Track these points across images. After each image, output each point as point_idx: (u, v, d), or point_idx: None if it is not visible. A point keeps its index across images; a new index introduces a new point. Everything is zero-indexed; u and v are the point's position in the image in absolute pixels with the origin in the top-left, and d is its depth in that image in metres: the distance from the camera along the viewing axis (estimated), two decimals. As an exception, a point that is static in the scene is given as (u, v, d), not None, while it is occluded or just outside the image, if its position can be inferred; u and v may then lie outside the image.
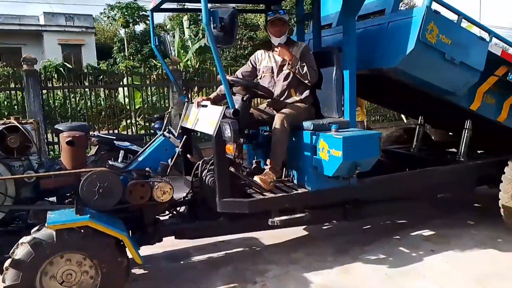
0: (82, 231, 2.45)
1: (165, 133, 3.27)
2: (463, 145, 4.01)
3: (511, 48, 5.87)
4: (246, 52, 15.96)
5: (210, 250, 3.68)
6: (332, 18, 3.90)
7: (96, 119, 7.51)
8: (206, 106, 3.27)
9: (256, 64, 3.55)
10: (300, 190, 3.17)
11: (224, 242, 3.77)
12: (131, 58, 17.80)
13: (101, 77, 8.14)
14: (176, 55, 10.46)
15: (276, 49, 3.37)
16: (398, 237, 3.87)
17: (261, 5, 4.37)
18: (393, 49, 3.18)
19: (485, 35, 3.62)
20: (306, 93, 3.39)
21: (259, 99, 5.01)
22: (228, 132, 2.81)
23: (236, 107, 2.91)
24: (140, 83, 7.82)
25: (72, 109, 7.29)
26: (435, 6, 3.09)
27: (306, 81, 3.32)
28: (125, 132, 7.33)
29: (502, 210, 3.72)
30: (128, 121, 7.59)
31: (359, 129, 3.19)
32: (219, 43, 2.65)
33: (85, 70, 9.13)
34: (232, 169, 2.98)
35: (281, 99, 3.40)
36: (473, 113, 3.78)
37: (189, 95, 8.17)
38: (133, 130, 7.55)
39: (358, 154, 2.88)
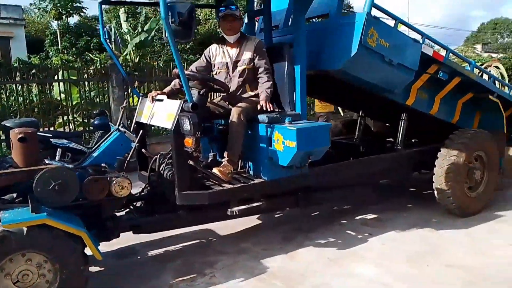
0: (49, 230, 2.39)
1: (120, 127, 3.23)
2: (400, 135, 4.35)
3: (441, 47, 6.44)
4: (187, 46, 15.75)
5: (157, 246, 3.67)
6: (278, 19, 4.04)
7: (28, 116, 7.06)
8: (162, 100, 3.28)
9: (210, 59, 3.60)
10: (257, 180, 3.30)
11: (172, 237, 3.77)
12: (65, 51, 16.83)
13: (33, 71, 7.68)
14: (114, 49, 10.09)
15: (229, 47, 3.45)
16: (340, 223, 4.14)
17: (211, 0, 4.41)
18: (338, 52, 3.40)
19: (418, 36, 4.01)
20: (263, 83, 3.48)
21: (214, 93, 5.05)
22: (187, 126, 2.86)
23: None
24: (76, 77, 7.48)
25: (1, 106, 6.80)
26: (374, 12, 3.36)
27: (265, 77, 3.43)
28: (62, 129, 6.99)
29: (436, 192, 4.12)
30: (65, 117, 7.25)
31: (309, 121, 3.37)
32: (178, 38, 2.69)
33: (15, 65, 8.54)
34: (191, 162, 3.03)
35: (237, 92, 3.50)
36: (409, 108, 4.14)
37: (129, 90, 7.98)
38: (71, 127, 7.20)
39: (311, 144, 3.07)
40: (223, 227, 3.94)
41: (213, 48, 3.63)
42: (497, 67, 10.70)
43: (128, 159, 3.09)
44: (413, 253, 3.40)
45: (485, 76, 4.94)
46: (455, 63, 4.35)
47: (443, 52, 4.20)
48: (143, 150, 3.54)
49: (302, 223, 4.15)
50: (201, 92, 3.10)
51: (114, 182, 2.80)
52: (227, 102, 3.58)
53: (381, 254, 3.41)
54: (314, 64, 3.46)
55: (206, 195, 3.02)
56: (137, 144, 3.27)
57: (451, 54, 4.16)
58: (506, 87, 4.90)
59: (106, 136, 3.23)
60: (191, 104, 2.85)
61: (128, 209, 3.31)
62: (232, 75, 3.52)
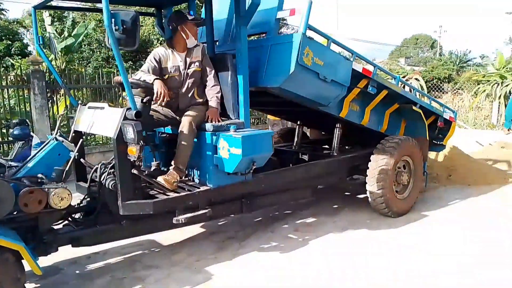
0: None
1: (57, 136, 3.10)
2: (335, 142, 4.65)
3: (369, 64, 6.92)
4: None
5: (84, 263, 3.52)
6: (219, 31, 4.12)
7: None
8: (103, 108, 3.20)
9: (161, 63, 3.53)
10: (202, 188, 3.33)
11: (99, 254, 3.65)
12: (-17, 56, 15.48)
13: None
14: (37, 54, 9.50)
15: (179, 51, 3.48)
16: (273, 230, 4.21)
17: (151, 9, 4.39)
18: (276, 71, 3.56)
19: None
20: (211, 88, 3.54)
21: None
22: (131, 134, 2.82)
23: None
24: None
25: None
26: (309, 32, 3.57)
27: (212, 80, 3.52)
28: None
29: (369, 195, 4.43)
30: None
31: (252, 128, 3.48)
32: (121, 45, 2.66)
33: None
34: (134, 171, 2.99)
35: (186, 98, 3.53)
36: (343, 119, 4.42)
37: (54, 98, 7.57)
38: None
39: (255, 151, 3.17)
40: (154, 239, 3.89)
41: (161, 51, 3.55)
42: (417, 79, 11.70)
43: (66, 169, 2.97)
44: (346, 254, 3.58)
45: (408, 89, 5.44)
46: (382, 78, 4.73)
47: (371, 67, 4.56)
48: (82, 160, 3.41)
49: (234, 232, 4.17)
50: (144, 100, 3.08)
51: (53, 193, 2.68)
52: (171, 110, 3.57)
53: (304, 258, 3.52)
54: (253, 81, 3.58)
55: (151, 204, 3.00)
56: (77, 153, 3.16)
57: (378, 69, 4.51)
58: (426, 98, 5.41)
59: (43, 145, 3.08)
60: (134, 112, 2.83)
61: (66, 222, 3.16)
62: (184, 78, 3.54)
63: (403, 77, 12.15)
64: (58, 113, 7.08)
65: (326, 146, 5.44)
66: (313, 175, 4.42)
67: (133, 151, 2.87)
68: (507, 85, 10.02)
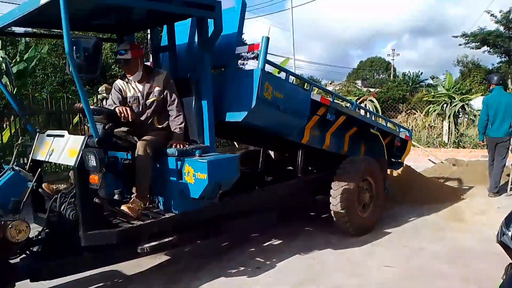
0: None
1: (14, 166, 2.97)
2: (299, 164, 4.73)
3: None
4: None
5: None
6: (182, 55, 4.11)
7: None
8: (62, 136, 3.12)
9: (122, 93, 3.54)
10: (167, 215, 3.28)
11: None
12: None
13: None
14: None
15: (137, 82, 3.49)
16: (230, 257, 4.02)
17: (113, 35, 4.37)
18: (238, 106, 3.63)
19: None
20: (175, 119, 3.53)
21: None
22: (92, 162, 2.76)
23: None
24: None
25: None
26: (268, 67, 3.68)
27: (175, 110, 3.50)
28: None
29: (333, 214, 4.51)
30: None
31: (217, 153, 3.49)
32: (82, 73, 2.63)
33: None
34: (97, 200, 2.91)
35: (147, 125, 3.50)
36: (304, 145, 4.53)
37: (4, 125, 7.23)
38: None
39: (221, 175, 3.17)
40: (88, 280, 3.54)
41: (120, 84, 3.57)
42: (371, 101, 12.17)
43: (24, 200, 2.84)
44: (297, 283, 3.44)
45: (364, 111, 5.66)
46: (340, 104, 4.93)
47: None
48: (40, 190, 3.28)
49: (188, 263, 3.94)
50: (106, 127, 3.03)
51: (10, 226, 2.55)
52: (133, 136, 3.53)
53: (267, 287, 3.41)
54: (215, 115, 3.62)
55: (115, 234, 2.91)
56: (35, 183, 3.03)
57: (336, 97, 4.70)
58: (381, 119, 5.66)
59: (-2, 176, 2.94)
60: (96, 139, 2.77)
61: (24, 255, 3.00)
62: (143, 108, 3.52)
63: (359, 98, 12.62)
64: (1, 141, 6.72)
65: (291, 168, 5.52)
66: (278, 196, 4.46)
67: (95, 179, 2.80)
68: (455, 105, 10.64)
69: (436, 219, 5.21)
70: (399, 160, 5.87)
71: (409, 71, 33.07)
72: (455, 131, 10.53)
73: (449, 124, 10.65)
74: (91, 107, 3.03)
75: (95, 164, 2.74)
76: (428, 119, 11.33)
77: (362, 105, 11.77)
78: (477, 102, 11.45)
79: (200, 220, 3.54)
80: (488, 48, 27.79)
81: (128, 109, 3.20)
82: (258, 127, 3.87)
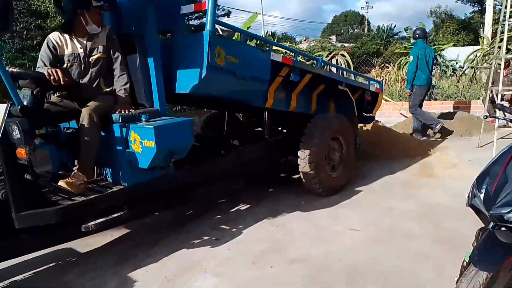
0: None
1: None
2: (266, 126, 4.48)
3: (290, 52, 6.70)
4: (34, 42, 13.86)
5: None
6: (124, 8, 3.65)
7: None
8: None
9: (57, 51, 3.05)
10: (115, 188, 2.96)
11: None
12: None
13: None
14: None
15: (78, 37, 3.02)
16: (188, 229, 3.72)
17: None
18: (186, 75, 3.20)
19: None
20: (118, 78, 3.15)
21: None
22: (17, 134, 2.38)
23: (25, 103, 2.50)
24: None
25: None
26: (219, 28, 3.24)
27: (119, 69, 3.10)
28: None
29: (302, 176, 4.30)
30: None
31: (170, 116, 3.14)
32: (-10, 28, 2.19)
33: None
34: (28, 176, 2.55)
35: (91, 89, 3.10)
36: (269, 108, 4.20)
37: None
38: None
39: (172, 142, 2.85)
40: (28, 265, 3.19)
41: (56, 38, 3.07)
42: (343, 55, 11.83)
43: None
44: (258, 254, 3.18)
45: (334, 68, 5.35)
46: (304, 63, 4.57)
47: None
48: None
49: (142, 238, 3.61)
50: (34, 92, 2.62)
51: None
52: (74, 102, 3.12)
53: (225, 260, 3.11)
54: (165, 87, 3.22)
55: (53, 213, 2.59)
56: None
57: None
58: (352, 75, 5.37)
59: None
60: (19, 107, 2.38)
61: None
62: (86, 67, 3.10)
63: (330, 52, 12.24)
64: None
65: (260, 129, 5.24)
66: (245, 160, 4.20)
67: (21, 153, 2.43)
68: (427, 56, 10.44)
69: (406, 176, 5.07)
70: (371, 115, 5.65)
71: (383, 25, 32.65)
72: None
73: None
74: (15, 69, 2.61)
75: (19, 136, 2.37)
76: (400, 72, 11.13)
77: (334, 60, 11.44)
78: (449, 53, 11.33)
79: (156, 191, 3.24)
80: (462, -4, 27.53)
81: (59, 70, 2.77)
82: (213, 96, 3.51)
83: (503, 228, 1.85)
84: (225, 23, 3.33)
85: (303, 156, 4.23)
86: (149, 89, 3.13)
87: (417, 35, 7.12)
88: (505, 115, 4.12)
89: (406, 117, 8.29)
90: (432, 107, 9.09)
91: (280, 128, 5.22)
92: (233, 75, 3.35)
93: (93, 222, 2.77)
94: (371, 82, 5.36)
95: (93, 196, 2.81)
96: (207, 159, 3.82)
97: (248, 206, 4.34)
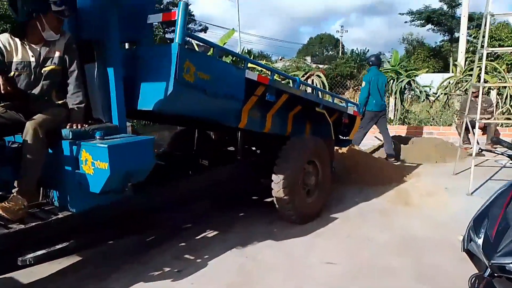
0: None
1: None
2: (239, 146, 4.20)
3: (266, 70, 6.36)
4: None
5: None
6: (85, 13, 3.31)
7: None
8: None
9: (4, 56, 2.67)
10: (61, 215, 2.58)
11: None
12: None
13: None
14: None
15: (32, 43, 2.68)
16: (148, 259, 3.33)
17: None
18: (151, 91, 2.88)
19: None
20: (72, 95, 2.79)
21: None
22: None
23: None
24: None
25: None
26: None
27: (73, 84, 2.75)
28: None
29: (275, 200, 4.01)
30: None
31: (129, 134, 2.80)
32: None
33: None
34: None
35: (41, 101, 2.72)
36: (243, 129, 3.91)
37: None
38: None
39: (129, 164, 2.50)
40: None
41: (5, 41, 2.69)
42: (318, 76, 11.79)
43: None
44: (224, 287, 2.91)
45: (311, 89, 5.15)
46: (280, 82, 4.34)
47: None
48: None
49: (93, 268, 3.23)
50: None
51: None
52: (19, 113, 2.74)
53: None
54: (127, 102, 2.90)
55: (-21, 244, 2.18)
56: None
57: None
58: (328, 96, 5.19)
59: None
60: None
61: None
62: (36, 78, 2.72)
63: (306, 73, 12.18)
64: None
65: (232, 148, 4.94)
66: (215, 182, 3.88)
67: None
68: (401, 81, 10.50)
69: (383, 203, 4.87)
70: (347, 137, 5.45)
71: (357, 48, 33.41)
72: (401, 107, 10.42)
73: (395, 101, 10.53)
74: None
75: None
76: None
77: (309, 81, 11.35)
78: (423, 78, 11.47)
79: (112, 217, 2.87)
80: (433, 26, 28.62)
81: (1, 78, 2.40)
82: (181, 115, 3.21)
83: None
84: (198, 37, 3.06)
85: (277, 180, 3.95)
86: (107, 102, 2.79)
87: (370, 62, 7.29)
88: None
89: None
90: (407, 132, 9.09)
91: (253, 148, 4.95)
92: (203, 93, 3.04)
93: (32, 255, 2.37)
94: (349, 104, 5.18)
95: (34, 224, 2.42)
96: (173, 181, 3.48)
97: (216, 232, 4.00)
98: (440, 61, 27.73)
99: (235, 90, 3.39)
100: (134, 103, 2.93)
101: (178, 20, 2.78)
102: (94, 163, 2.41)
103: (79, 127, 2.62)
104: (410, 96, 11.38)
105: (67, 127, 2.61)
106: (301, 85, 4.69)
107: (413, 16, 27.98)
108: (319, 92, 5.13)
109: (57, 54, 2.75)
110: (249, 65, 4.02)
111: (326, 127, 4.68)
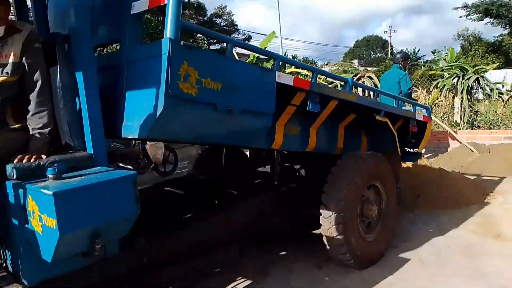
0: None
1: None
2: (276, 170, 3.36)
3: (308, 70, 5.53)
4: None
5: None
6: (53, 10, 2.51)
7: None
8: None
9: None
10: (10, 286, 1.75)
11: None
12: None
13: None
14: None
15: None
16: None
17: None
18: (134, 111, 2.03)
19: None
20: (33, 116, 1.99)
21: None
22: None
23: None
24: None
25: None
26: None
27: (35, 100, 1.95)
28: None
29: (325, 239, 3.03)
30: None
31: (107, 168, 1.92)
32: None
33: None
34: None
35: None
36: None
37: None
38: None
39: (95, 217, 1.61)
40: None
41: None
42: (370, 77, 10.58)
43: None
44: None
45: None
46: (326, 86, 3.34)
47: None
48: None
49: None
50: None
51: None
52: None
53: None
54: (107, 128, 2.01)
55: None
56: None
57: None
58: (392, 98, 4.08)
59: None
60: None
61: None
62: None
63: (355, 75, 10.98)
64: None
65: (268, 169, 3.99)
66: (242, 222, 2.95)
67: None
68: (468, 78, 9.06)
69: (465, 235, 3.72)
70: (416, 150, 4.31)
71: (406, 48, 31.54)
72: (469, 108, 8.97)
73: (461, 101, 9.10)
74: None
75: None
76: (435, 96, 9.76)
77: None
78: (493, 75, 9.97)
79: (89, 283, 2.01)
80: (491, 19, 26.34)
81: None
82: (185, 140, 2.35)
83: None
84: (195, 27, 2.14)
85: (327, 214, 2.95)
86: (77, 120, 1.94)
87: (395, 60, 6.16)
88: None
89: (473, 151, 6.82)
90: (479, 137, 7.69)
91: (296, 167, 3.96)
92: (212, 109, 2.09)
93: None
94: (417, 108, 4.03)
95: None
96: (187, 227, 2.60)
97: (248, 282, 3.06)
98: (501, 57, 25.36)
99: (261, 100, 2.41)
100: (117, 128, 2.06)
101: (169, 6, 1.88)
102: (41, 218, 1.56)
103: (31, 160, 1.79)
104: (479, 95, 9.86)
105: (16, 160, 1.79)
106: (353, 87, 3.62)
107: (469, 9, 25.82)
108: (377, 95, 4.03)
109: (12, 57, 1.95)
110: (288, 69, 3.05)
111: (389, 139, 3.60)
